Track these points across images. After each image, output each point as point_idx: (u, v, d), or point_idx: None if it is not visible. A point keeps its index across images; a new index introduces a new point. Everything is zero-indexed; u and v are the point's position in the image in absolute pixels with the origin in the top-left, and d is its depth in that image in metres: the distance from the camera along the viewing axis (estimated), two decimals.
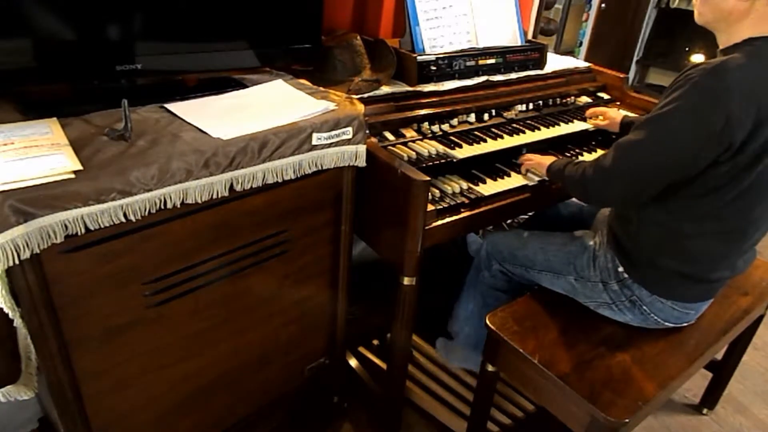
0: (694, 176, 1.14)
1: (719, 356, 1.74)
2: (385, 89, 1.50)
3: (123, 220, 0.95)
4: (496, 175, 1.51)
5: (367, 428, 1.69)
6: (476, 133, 1.59)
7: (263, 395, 1.45)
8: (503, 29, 1.80)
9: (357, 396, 1.72)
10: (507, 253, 1.51)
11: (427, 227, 1.27)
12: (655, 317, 1.31)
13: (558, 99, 1.87)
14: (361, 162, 1.28)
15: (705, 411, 1.87)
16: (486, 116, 1.67)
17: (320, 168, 1.22)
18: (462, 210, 1.37)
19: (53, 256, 0.91)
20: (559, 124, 1.74)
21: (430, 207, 1.29)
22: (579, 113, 1.85)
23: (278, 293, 1.32)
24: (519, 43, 1.83)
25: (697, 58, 4.08)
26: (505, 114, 1.71)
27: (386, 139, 1.45)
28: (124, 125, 1.02)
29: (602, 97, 2.00)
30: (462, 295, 1.68)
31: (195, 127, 1.10)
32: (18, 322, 0.94)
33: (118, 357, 1.09)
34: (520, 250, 1.48)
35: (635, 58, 4.33)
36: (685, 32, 4.00)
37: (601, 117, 1.76)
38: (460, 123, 1.61)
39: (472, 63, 1.68)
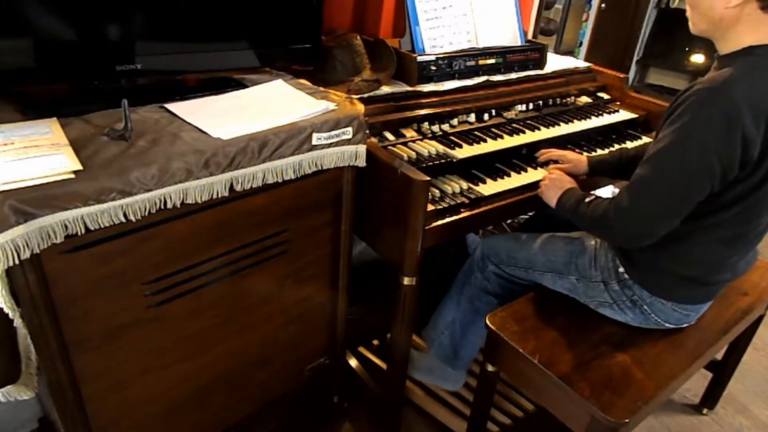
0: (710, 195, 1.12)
1: (719, 356, 1.74)
2: (385, 89, 1.50)
3: (123, 220, 0.95)
4: (496, 175, 1.51)
5: (367, 428, 1.69)
6: (476, 133, 1.59)
7: (263, 395, 1.45)
8: (503, 29, 1.80)
9: (357, 396, 1.72)
10: (505, 255, 1.50)
11: (427, 227, 1.27)
12: (656, 318, 1.31)
13: (558, 99, 1.87)
14: (361, 162, 1.28)
15: (705, 411, 1.87)
16: (486, 116, 1.67)
17: (320, 168, 1.22)
18: (462, 210, 1.37)
19: (53, 256, 0.91)
20: (559, 124, 1.74)
21: (430, 207, 1.29)
22: (579, 113, 1.85)
23: (278, 293, 1.32)
24: (519, 43, 1.84)
25: (697, 58, 4.08)
26: (505, 114, 1.71)
27: (386, 139, 1.45)
28: (124, 125, 1.02)
29: (602, 97, 2.00)
30: (446, 300, 1.65)
31: (195, 127, 1.10)
32: (18, 322, 0.94)
33: (118, 357, 1.09)
34: (520, 251, 1.48)
35: (635, 58, 4.33)
36: (685, 32, 3.93)
37: (561, 161, 1.57)
38: (460, 123, 1.61)
39: (472, 63, 1.68)
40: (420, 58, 1.55)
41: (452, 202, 1.36)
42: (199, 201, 1.05)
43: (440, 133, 1.54)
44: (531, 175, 1.54)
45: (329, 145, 1.21)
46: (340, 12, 1.74)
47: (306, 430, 1.65)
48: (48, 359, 0.98)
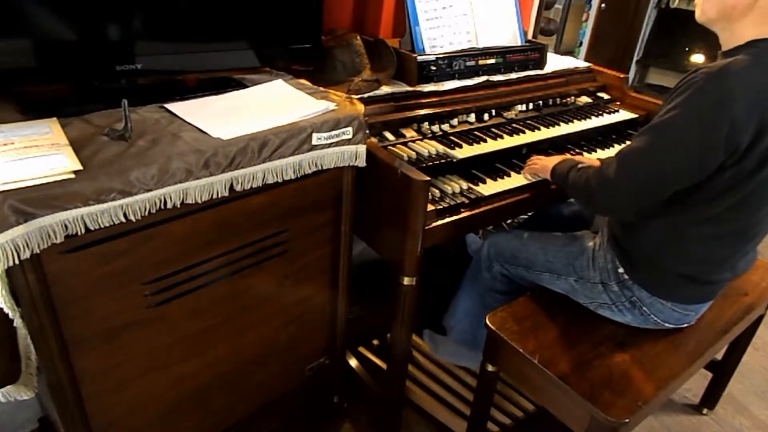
0: (698, 182, 1.13)
1: (719, 356, 1.74)
2: (385, 89, 1.50)
3: (123, 220, 0.95)
4: (496, 175, 1.51)
5: (367, 428, 1.69)
6: (476, 133, 1.59)
7: (263, 395, 1.45)
8: (503, 29, 1.80)
9: (357, 396, 1.72)
10: (508, 255, 1.51)
11: (427, 227, 1.27)
12: (655, 318, 1.31)
13: (558, 99, 1.87)
14: (361, 162, 1.28)
15: (705, 411, 1.87)
16: (486, 116, 1.67)
17: (320, 168, 1.22)
18: (462, 210, 1.37)
19: (53, 256, 0.91)
20: (559, 124, 1.74)
21: (430, 207, 1.29)
22: (579, 113, 1.85)
23: (278, 293, 1.32)
24: (519, 43, 1.84)
25: (697, 58, 4.08)
26: (505, 114, 1.71)
27: (386, 139, 1.45)
28: (124, 125, 1.02)
29: (602, 97, 2.00)
30: (460, 291, 1.67)
31: (195, 127, 1.10)
32: (18, 322, 0.94)
33: (118, 357, 1.09)
34: (521, 251, 1.48)
35: (635, 58, 4.32)
36: (685, 32, 4.00)
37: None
38: (460, 123, 1.61)
39: (472, 63, 1.68)
40: (420, 58, 1.55)
41: (452, 202, 1.36)
42: (199, 201, 1.05)
43: (440, 133, 1.54)
44: None
45: (329, 145, 1.21)
46: (340, 12, 1.74)
47: (306, 430, 1.65)
48: (48, 359, 0.98)
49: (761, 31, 1.10)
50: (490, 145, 1.54)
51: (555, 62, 1.97)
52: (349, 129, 1.23)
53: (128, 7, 1.12)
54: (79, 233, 0.91)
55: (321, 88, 1.37)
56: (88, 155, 0.95)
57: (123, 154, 0.96)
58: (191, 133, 1.07)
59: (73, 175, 0.89)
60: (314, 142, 1.18)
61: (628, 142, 1.80)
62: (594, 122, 1.82)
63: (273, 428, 1.53)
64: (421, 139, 1.49)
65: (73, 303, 0.97)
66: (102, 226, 0.93)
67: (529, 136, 1.63)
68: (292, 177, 1.18)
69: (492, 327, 1.33)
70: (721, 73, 1.05)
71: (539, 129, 1.69)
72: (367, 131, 1.30)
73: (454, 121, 1.60)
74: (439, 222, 1.31)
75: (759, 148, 1.08)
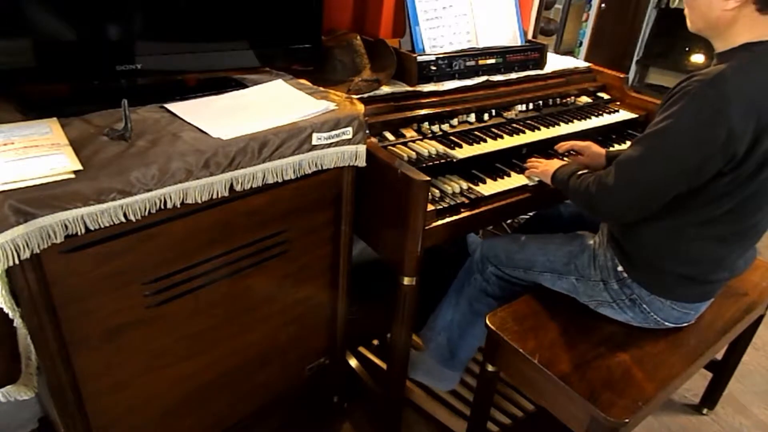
0: (697, 187, 1.13)
1: (719, 356, 1.74)
2: (385, 89, 1.50)
3: (123, 220, 0.95)
4: (496, 175, 1.51)
5: (367, 428, 1.69)
6: (476, 133, 1.59)
7: (263, 395, 1.45)
8: (503, 29, 1.80)
9: (357, 396, 1.72)
10: (505, 257, 1.50)
11: (427, 227, 1.27)
12: (655, 316, 1.31)
13: (558, 99, 1.87)
14: (361, 162, 1.28)
15: (705, 411, 1.87)
16: (486, 116, 1.67)
17: (320, 168, 1.22)
18: (462, 210, 1.37)
19: (53, 256, 0.91)
20: (559, 124, 1.74)
21: (430, 207, 1.29)
22: (579, 113, 1.85)
23: (278, 293, 1.32)
24: (519, 43, 1.83)
25: (697, 58, 4.08)
26: (505, 114, 1.71)
27: (386, 139, 1.45)
28: (124, 125, 1.02)
29: (602, 97, 2.00)
30: (444, 302, 1.65)
31: (195, 127, 1.10)
32: (18, 322, 0.94)
33: (118, 357, 1.09)
34: (519, 252, 1.48)
35: (635, 58, 4.32)
36: (685, 32, 3.92)
37: (574, 151, 1.64)
38: (460, 123, 1.61)
39: (472, 63, 1.68)
40: (420, 58, 1.55)
41: (452, 202, 1.36)
42: (199, 201, 1.05)
43: (440, 133, 1.54)
44: None
45: (329, 145, 1.21)
46: (340, 12, 1.74)
47: (306, 430, 1.65)
48: (48, 359, 0.98)
49: (754, 35, 1.09)
50: (490, 145, 1.54)
51: (555, 62, 1.97)
52: (349, 129, 1.23)
53: (128, 7, 1.12)
54: (79, 233, 0.91)
55: (321, 88, 1.37)
56: (88, 155, 0.95)
57: (123, 154, 0.96)
58: (191, 133, 1.07)
59: (73, 175, 0.89)
60: (314, 142, 1.18)
61: (628, 142, 1.82)
62: (594, 122, 1.82)
63: (273, 428, 1.53)
64: (421, 139, 1.49)
65: (73, 303, 0.97)
66: (102, 226, 0.93)
67: (529, 136, 1.63)
68: (292, 177, 1.18)
69: (492, 327, 1.33)
70: (717, 80, 1.05)
71: (539, 129, 1.69)
72: (367, 131, 1.30)
73: (454, 121, 1.60)
74: (439, 222, 1.31)
75: (757, 152, 1.08)
